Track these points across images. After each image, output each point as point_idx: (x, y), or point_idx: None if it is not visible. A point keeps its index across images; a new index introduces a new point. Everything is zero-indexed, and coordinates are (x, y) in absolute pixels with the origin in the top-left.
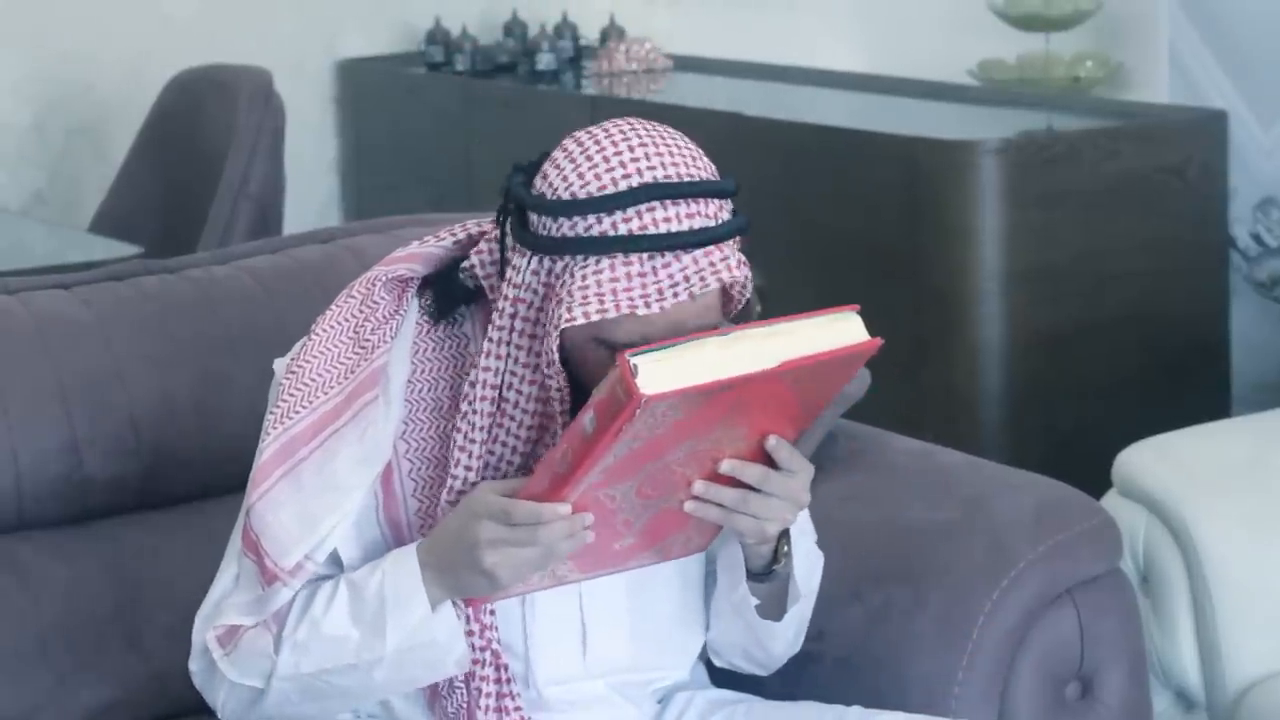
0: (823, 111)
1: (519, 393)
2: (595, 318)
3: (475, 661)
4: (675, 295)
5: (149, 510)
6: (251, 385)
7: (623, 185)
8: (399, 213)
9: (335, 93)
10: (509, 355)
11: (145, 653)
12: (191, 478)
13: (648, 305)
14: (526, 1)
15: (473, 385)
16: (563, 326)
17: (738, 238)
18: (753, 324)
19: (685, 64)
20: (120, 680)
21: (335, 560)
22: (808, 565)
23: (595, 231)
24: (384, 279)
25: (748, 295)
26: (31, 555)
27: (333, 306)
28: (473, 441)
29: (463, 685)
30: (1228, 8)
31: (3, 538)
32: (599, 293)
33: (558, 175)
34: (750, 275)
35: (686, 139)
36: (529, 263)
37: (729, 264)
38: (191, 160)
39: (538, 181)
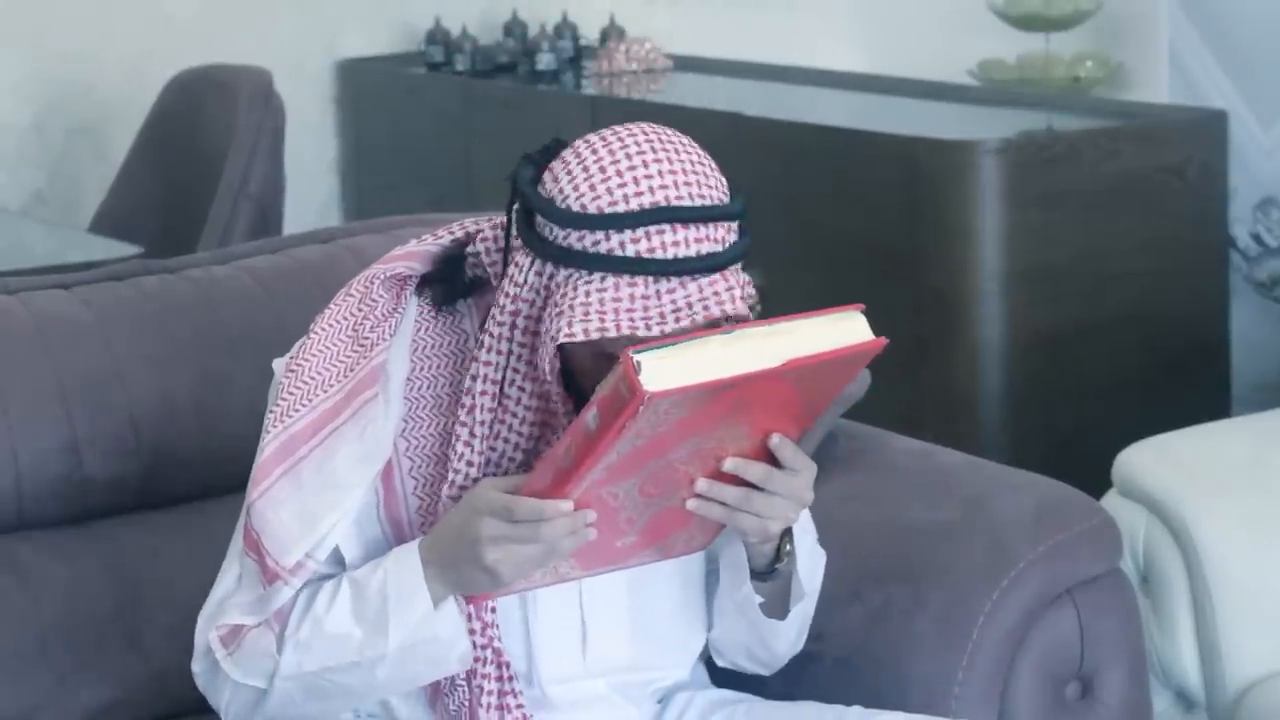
0: (823, 111)
1: (520, 389)
2: (595, 336)
3: (476, 660)
4: (677, 321)
5: (149, 510)
6: (251, 385)
7: (634, 204)
8: (399, 213)
9: (335, 93)
10: (510, 352)
11: (145, 653)
12: (191, 478)
13: (648, 328)
14: (526, 1)
15: (474, 379)
16: (561, 341)
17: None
18: (757, 323)
19: (685, 64)
20: (120, 680)
21: (337, 559)
22: (810, 563)
23: (602, 248)
24: (382, 277)
25: (755, 312)
26: (31, 555)
27: (331, 305)
28: (475, 437)
29: (464, 683)
30: (1228, 8)
31: (3, 538)
32: (600, 311)
33: (568, 181)
34: (754, 295)
35: (698, 150)
36: (532, 264)
37: (733, 295)
38: (191, 160)
39: (547, 180)
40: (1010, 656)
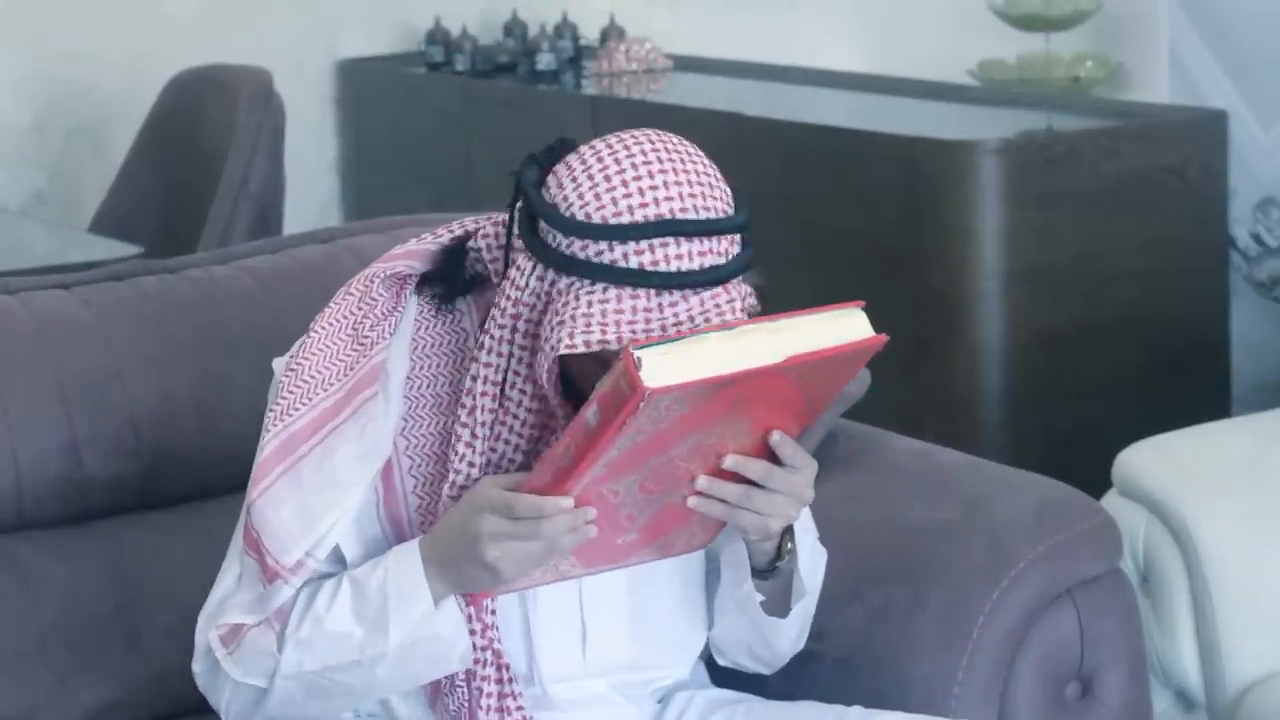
0: (823, 111)
1: (522, 392)
2: (595, 348)
3: (476, 661)
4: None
5: (149, 510)
6: (251, 385)
7: (638, 215)
8: (399, 213)
9: (335, 93)
10: (511, 355)
11: (145, 653)
12: (191, 478)
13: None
14: (526, 1)
15: (474, 380)
16: (562, 353)
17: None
18: (758, 319)
19: (685, 64)
20: (120, 680)
21: (337, 557)
22: (811, 561)
23: (605, 259)
24: (382, 276)
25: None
26: (31, 555)
27: (331, 304)
28: (476, 439)
29: (463, 685)
30: (1228, 8)
31: (3, 538)
32: (602, 322)
33: (573, 188)
34: (755, 305)
35: (704, 160)
36: (534, 268)
37: (734, 307)
38: (191, 160)
39: (551, 185)
40: (1010, 656)
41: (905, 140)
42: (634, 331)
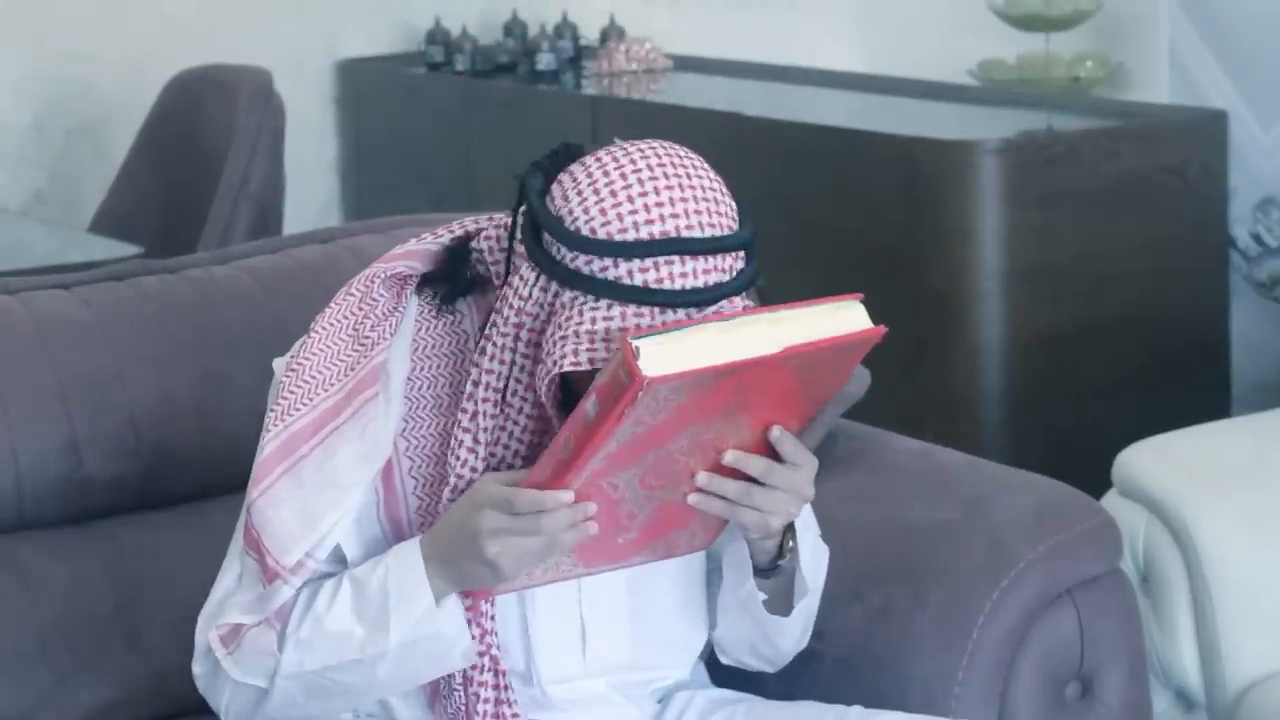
0: (823, 111)
1: (523, 399)
2: (599, 365)
3: (474, 667)
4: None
5: (149, 510)
6: (251, 385)
7: (644, 233)
8: (399, 213)
9: (335, 93)
10: (513, 363)
11: (145, 653)
12: (191, 478)
13: None
14: (526, 1)
15: (475, 386)
16: (566, 369)
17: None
18: (756, 310)
19: (685, 64)
20: (120, 680)
21: (338, 557)
22: (813, 559)
23: (610, 275)
24: (382, 276)
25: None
26: (31, 555)
27: (331, 304)
28: (478, 444)
29: (460, 688)
30: (1228, 8)
31: (3, 538)
32: (606, 340)
33: (579, 202)
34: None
35: (710, 173)
36: (537, 279)
37: None
38: (191, 160)
39: (555, 195)
40: (1010, 656)
41: (905, 140)
42: None
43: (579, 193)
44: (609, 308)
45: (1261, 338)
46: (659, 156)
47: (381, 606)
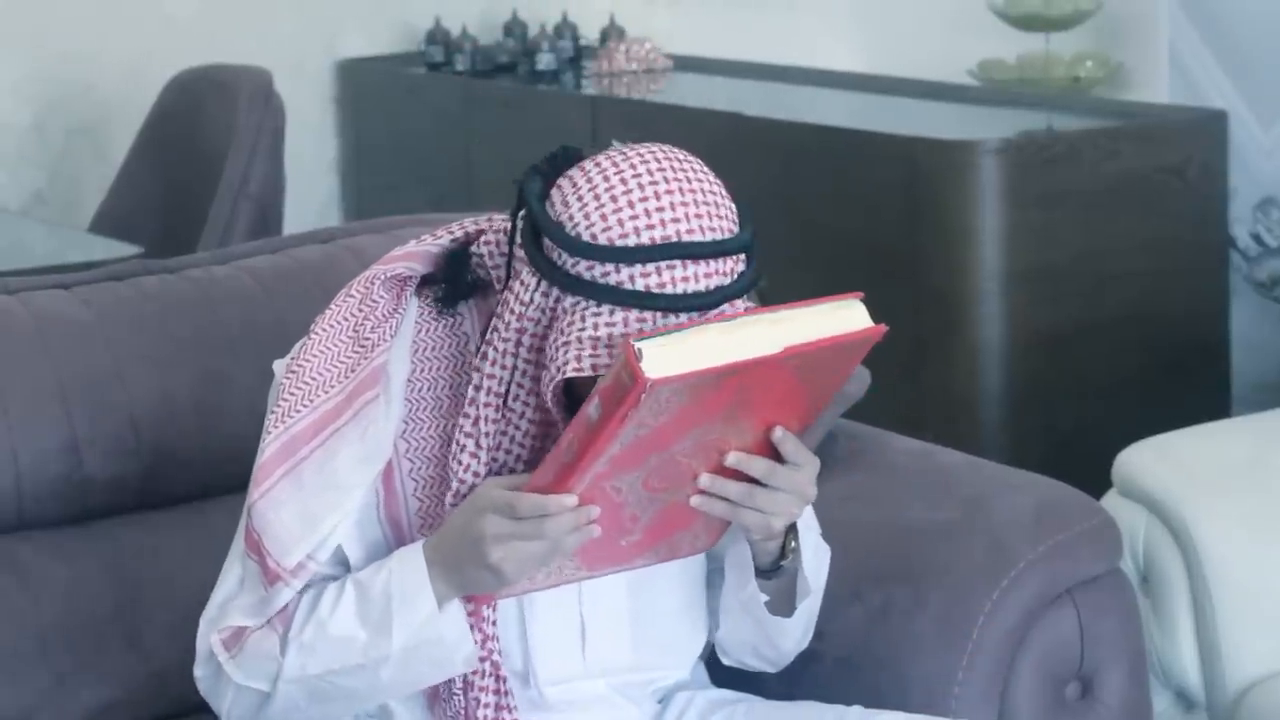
0: (823, 111)
1: (525, 404)
2: (601, 371)
3: (474, 671)
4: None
5: (149, 510)
6: (251, 385)
7: (644, 238)
8: (399, 213)
9: (335, 93)
10: (514, 368)
11: (145, 653)
12: (191, 478)
13: None
14: (526, 1)
15: (476, 390)
16: (568, 376)
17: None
18: (757, 310)
19: (685, 64)
20: (120, 680)
21: (338, 560)
22: (815, 560)
23: (611, 280)
24: (383, 277)
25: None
26: (31, 555)
27: (332, 306)
28: (480, 448)
29: (460, 692)
30: (1228, 8)
31: (3, 538)
32: (609, 345)
33: (579, 207)
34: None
35: (710, 177)
36: (538, 284)
37: None
38: (191, 160)
39: (556, 200)
40: (1010, 656)
41: (905, 140)
42: None
43: (579, 198)
44: (611, 313)
45: (1261, 338)
46: (659, 161)
47: (384, 610)
